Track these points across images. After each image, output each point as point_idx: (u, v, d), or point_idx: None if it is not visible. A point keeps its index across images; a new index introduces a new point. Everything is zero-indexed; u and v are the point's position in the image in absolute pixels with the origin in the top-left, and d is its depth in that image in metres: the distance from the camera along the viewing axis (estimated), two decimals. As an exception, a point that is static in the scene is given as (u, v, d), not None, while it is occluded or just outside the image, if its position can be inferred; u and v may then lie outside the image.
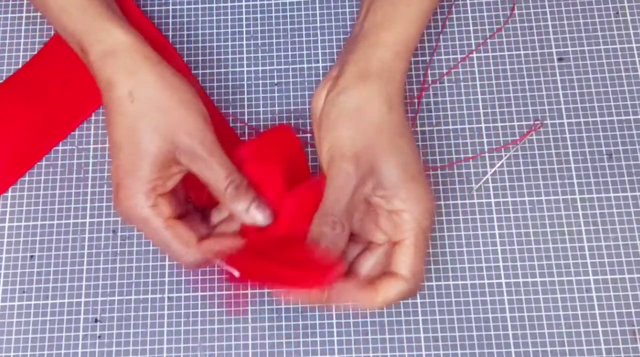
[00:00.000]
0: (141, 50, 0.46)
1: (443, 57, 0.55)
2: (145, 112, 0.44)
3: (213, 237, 0.47)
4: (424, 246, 0.44)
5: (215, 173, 0.45)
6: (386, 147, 0.44)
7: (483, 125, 0.53)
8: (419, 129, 0.53)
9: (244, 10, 0.57)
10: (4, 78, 0.56)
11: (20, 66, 0.56)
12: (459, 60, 0.55)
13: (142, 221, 0.45)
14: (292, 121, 0.53)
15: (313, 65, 0.55)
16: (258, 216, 0.45)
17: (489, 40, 0.55)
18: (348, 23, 0.56)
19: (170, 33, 0.57)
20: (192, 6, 0.57)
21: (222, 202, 0.46)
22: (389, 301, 0.44)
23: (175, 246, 0.45)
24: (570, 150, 0.53)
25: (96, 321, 0.50)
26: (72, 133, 0.54)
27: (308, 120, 0.54)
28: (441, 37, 0.56)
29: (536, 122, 0.53)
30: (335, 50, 0.56)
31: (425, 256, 0.45)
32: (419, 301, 0.50)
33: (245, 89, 0.55)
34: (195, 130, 0.45)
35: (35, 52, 0.56)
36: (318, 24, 0.56)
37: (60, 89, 0.55)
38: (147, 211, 0.44)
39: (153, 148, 0.44)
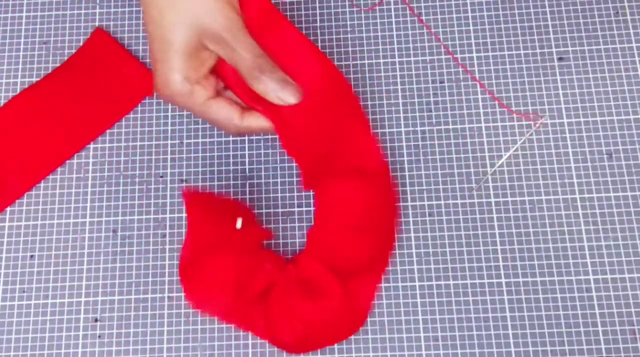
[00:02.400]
0: None
1: (443, 57, 0.55)
2: (172, 5, 0.46)
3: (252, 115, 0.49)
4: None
5: (240, 57, 0.47)
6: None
7: (483, 125, 0.53)
8: (419, 128, 0.53)
9: (244, 10, 0.57)
10: (4, 78, 0.56)
11: (20, 66, 0.56)
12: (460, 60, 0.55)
13: (184, 105, 0.47)
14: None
15: (313, 65, 0.55)
16: (285, 95, 0.47)
17: (489, 40, 0.55)
18: (348, 23, 0.56)
19: (170, 33, 0.57)
20: (192, 6, 0.57)
21: (250, 85, 0.48)
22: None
23: (218, 120, 0.48)
24: (570, 150, 0.53)
25: (96, 320, 0.50)
26: (72, 133, 0.54)
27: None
28: (441, 37, 0.56)
29: (536, 121, 0.53)
30: (335, 50, 0.56)
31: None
32: (419, 300, 0.50)
33: (245, 89, 0.55)
34: (221, 17, 0.46)
35: (36, 52, 0.56)
36: (318, 24, 0.56)
37: (83, 100, 0.55)
38: (185, 98, 0.47)
39: (181, 37, 0.46)
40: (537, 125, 0.53)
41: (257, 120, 0.48)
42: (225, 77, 0.49)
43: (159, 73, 0.47)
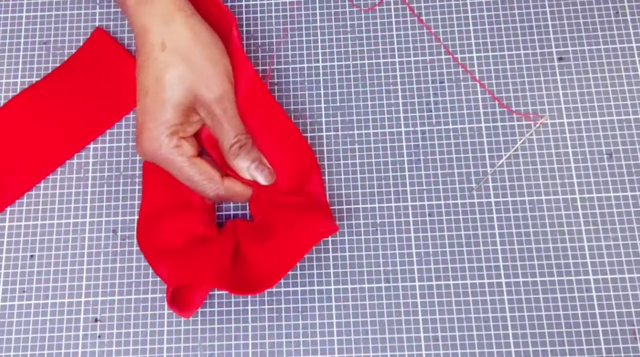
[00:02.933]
0: (176, 1, 0.49)
1: (443, 57, 0.55)
2: (174, 62, 0.47)
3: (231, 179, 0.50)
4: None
5: (225, 131, 0.49)
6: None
7: (483, 125, 0.53)
8: (419, 128, 0.53)
9: (244, 10, 0.57)
10: (4, 78, 0.56)
11: (20, 66, 0.56)
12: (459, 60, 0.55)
13: (166, 160, 0.48)
14: (292, 121, 0.53)
15: (313, 65, 0.55)
16: (258, 175, 0.50)
17: (489, 40, 0.55)
18: (348, 23, 0.56)
19: (170, 33, 0.57)
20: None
21: (226, 158, 0.50)
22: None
23: (199, 180, 0.48)
24: (570, 150, 0.53)
25: (96, 320, 0.50)
26: (72, 133, 0.54)
27: (308, 120, 0.54)
28: (441, 37, 0.56)
29: (536, 121, 0.53)
30: (335, 50, 0.56)
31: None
32: (418, 300, 0.50)
33: (245, 89, 0.55)
34: (216, 87, 0.48)
35: (36, 52, 0.56)
36: (318, 24, 0.56)
37: (83, 100, 0.55)
38: (171, 151, 0.48)
39: (177, 96, 0.47)
40: (537, 125, 0.53)
41: (238, 186, 0.50)
42: (204, 140, 0.51)
43: (148, 126, 0.47)
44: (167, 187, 0.51)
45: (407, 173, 0.53)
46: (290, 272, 0.51)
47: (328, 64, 0.55)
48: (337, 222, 0.52)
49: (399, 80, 0.55)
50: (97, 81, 0.55)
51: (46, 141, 0.54)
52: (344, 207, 0.52)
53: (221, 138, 0.49)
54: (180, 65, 0.47)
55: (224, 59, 0.49)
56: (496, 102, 0.54)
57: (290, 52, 0.56)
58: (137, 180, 0.53)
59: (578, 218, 0.51)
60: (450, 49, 0.55)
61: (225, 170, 0.50)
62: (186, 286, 0.48)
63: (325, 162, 0.53)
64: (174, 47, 0.48)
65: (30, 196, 0.53)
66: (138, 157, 0.54)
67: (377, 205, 0.52)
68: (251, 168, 0.50)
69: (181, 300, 0.48)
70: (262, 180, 0.50)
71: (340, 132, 0.54)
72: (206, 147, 0.51)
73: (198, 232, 0.50)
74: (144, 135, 0.48)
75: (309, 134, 0.53)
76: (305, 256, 0.51)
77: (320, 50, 0.56)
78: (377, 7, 0.57)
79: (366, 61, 0.55)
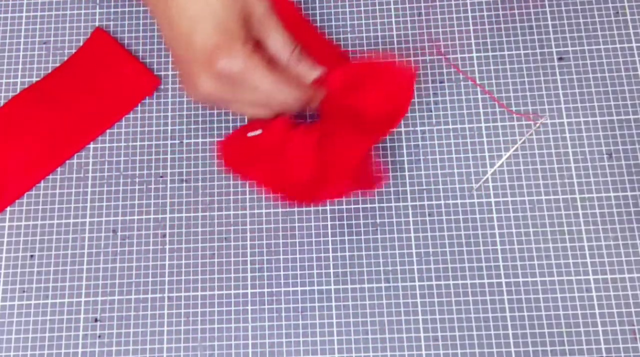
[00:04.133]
0: None
1: (443, 57, 0.55)
2: None
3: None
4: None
5: (284, 39, 0.48)
6: None
7: (483, 125, 0.53)
8: (419, 128, 0.53)
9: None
10: (4, 78, 0.56)
11: (20, 66, 0.56)
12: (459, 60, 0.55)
13: (248, 70, 0.46)
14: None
15: (313, 65, 0.55)
16: (315, 73, 0.48)
17: (489, 40, 0.55)
18: (348, 23, 0.56)
19: (170, 33, 0.57)
20: (192, 6, 0.57)
21: (289, 67, 0.48)
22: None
23: (285, 85, 0.47)
24: (570, 150, 0.53)
25: (96, 320, 0.50)
26: (72, 133, 0.54)
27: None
28: (441, 37, 0.56)
29: (536, 121, 0.53)
30: (335, 50, 0.56)
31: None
32: (418, 300, 0.50)
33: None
34: (259, 4, 0.47)
35: (36, 52, 0.56)
36: (318, 24, 0.56)
37: (83, 100, 0.55)
38: (252, 56, 0.45)
39: (235, 12, 0.46)
40: (537, 125, 0.53)
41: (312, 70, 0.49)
42: None
43: (219, 45, 0.45)
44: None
45: (407, 173, 0.53)
46: (290, 272, 0.51)
47: (328, 64, 0.55)
48: (337, 222, 0.52)
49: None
50: (97, 81, 0.55)
51: (46, 141, 0.54)
52: (344, 207, 0.52)
53: (280, 48, 0.48)
54: None
55: None
56: (496, 103, 0.54)
57: (290, 52, 0.56)
58: (137, 180, 0.53)
59: (578, 218, 0.51)
60: (451, 49, 0.55)
61: None
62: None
63: (325, 162, 0.53)
64: None
65: (30, 196, 0.53)
66: (138, 157, 0.54)
67: (377, 205, 0.52)
68: (312, 71, 0.49)
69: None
70: (317, 74, 0.49)
71: (340, 132, 0.54)
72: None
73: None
74: (218, 53, 0.45)
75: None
76: (305, 256, 0.51)
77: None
78: (377, 7, 0.57)
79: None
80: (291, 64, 0.48)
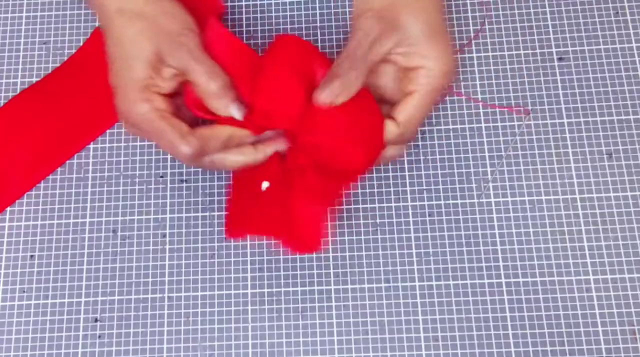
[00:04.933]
0: None
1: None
2: (132, 21, 0.47)
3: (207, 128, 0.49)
4: (428, 102, 0.47)
5: (199, 72, 0.47)
6: (411, 3, 0.47)
7: (483, 125, 0.53)
8: (418, 128, 0.53)
9: (244, 10, 0.57)
10: (4, 78, 0.56)
11: (20, 66, 0.56)
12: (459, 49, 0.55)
13: (139, 117, 0.47)
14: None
15: (313, 65, 0.55)
16: (234, 111, 0.48)
17: (489, 40, 0.55)
18: (348, 23, 0.56)
19: (170, 33, 0.57)
20: (192, 6, 0.57)
21: (205, 99, 0.48)
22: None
23: (170, 134, 0.46)
24: (570, 150, 0.53)
25: (96, 320, 0.50)
26: (72, 133, 0.54)
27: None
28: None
29: (525, 114, 0.53)
30: (335, 50, 0.56)
31: (426, 113, 0.48)
32: (418, 300, 0.50)
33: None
34: (177, 35, 0.47)
35: (36, 52, 0.56)
36: (318, 24, 0.56)
37: (83, 100, 0.55)
38: (142, 105, 0.46)
39: (140, 51, 0.47)
40: (527, 118, 0.53)
41: (220, 130, 0.48)
42: (190, 105, 0.49)
43: (119, 88, 0.47)
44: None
45: (407, 173, 0.53)
46: (290, 272, 0.51)
47: (328, 64, 0.55)
48: (337, 222, 0.52)
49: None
50: (97, 81, 0.55)
51: (46, 141, 0.54)
52: (344, 207, 0.52)
53: (196, 80, 0.47)
54: (137, 22, 0.47)
55: (182, 11, 0.48)
56: (496, 102, 0.54)
57: (290, 52, 0.56)
58: (137, 180, 0.53)
59: (578, 218, 0.51)
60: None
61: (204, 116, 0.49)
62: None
63: (325, 162, 0.53)
64: (129, 9, 0.47)
65: (30, 196, 0.53)
66: (138, 157, 0.54)
67: (377, 205, 0.52)
68: (230, 105, 0.48)
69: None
70: (237, 114, 0.48)
71: (340, 132, 0.54)
72: (195, 112, 0.49)
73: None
74: (119, 96, 0.47)
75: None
76: (305, 256, 0.51)
77: (320, 50, 0.56)
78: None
79: (366, 61, 0.55)
80: (207, 100, 0.48)
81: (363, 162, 0.48)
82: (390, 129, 0.47)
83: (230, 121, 0.48)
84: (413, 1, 0.47)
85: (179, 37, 0.47)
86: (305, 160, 0.48)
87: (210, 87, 0.47)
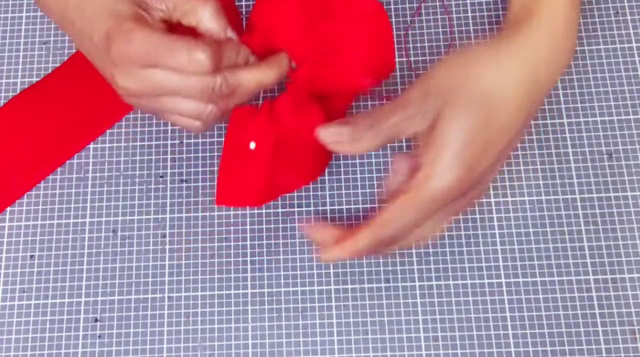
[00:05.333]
0: None
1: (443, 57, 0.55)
2: None
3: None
4: (417, 207, 0.42)
5: (212, 14, 0.44)
6: (468, 102, 0.41)
7: (483, 125, 0.53)
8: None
9: (243, 10, 0.57)
10: (4, 78, 0.56)
11: (20, 66, 0.56)
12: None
13: (139, 44, 0.41)
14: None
15: (313, 65, 0.55)
16: (231, 33, 0.44)
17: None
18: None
19: (170, 33, 0.57)
20: (192, 6, 0.57)
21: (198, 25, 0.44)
22: (423, 196, 0.41)
23: (182, 43, 0.41)
24: (570, 150, 0.53)
25: (96, 320, 0.50)
26: (72, 133, 0.54)
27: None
28: (441, 37, 0.56)
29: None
30: (335, 50, 0.56)
31: (414, 219, 0.43)
32: (418, 300, 0.50)
33: (245, 89, 0.55)
34: None
35: (36, 52, 0.56)
36: (318, 24, 0.56)
37: (83, 100, 0.55)
38: (140, 30, 0.41)
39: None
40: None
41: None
42: None
43: (114, 32, 0.41)
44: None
45: (407, 173, 0.52)
46: (290, 272, 0.51)
47: (328, 64, 0.55)
48: (337, 222, 0.52)
49: (398, 80, 0.55)
50: (97, 81, 0.55)
51: (46, 141, 0.54)
52: (344, 207, 0.52)
53: (209, 25, 0.44)
54: None
55: None
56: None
57: (290, 52, 0.56)
58: (137, 180, 0.53)
59: (578, 218, 0.51)
60: (451, 49, 0.55)
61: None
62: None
63: (325, 162, 0.53)
64: None
65: (30, 196, 0.53)
66: (138, 157, 0.54)
67: (377, 205, 0.52)
68: (227, 28, 0.44)
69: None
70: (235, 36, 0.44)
71: (340, 132, 0.54)
72: None
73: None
74: (110, 40, 0.41)
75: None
76: (305, 256, 0.51)
77: None
78: (377, 7, 0.57)
79: (366, 61, 0.55)
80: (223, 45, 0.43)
81: (371, 83, 0.46)
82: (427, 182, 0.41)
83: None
84: (471, 101, 0.41)
85: None
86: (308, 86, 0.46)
87: (206, 11, 0.43)
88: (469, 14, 0.56)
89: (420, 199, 0.42)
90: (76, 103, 0.55)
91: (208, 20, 0.43)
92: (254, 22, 0.46)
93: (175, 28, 0.44)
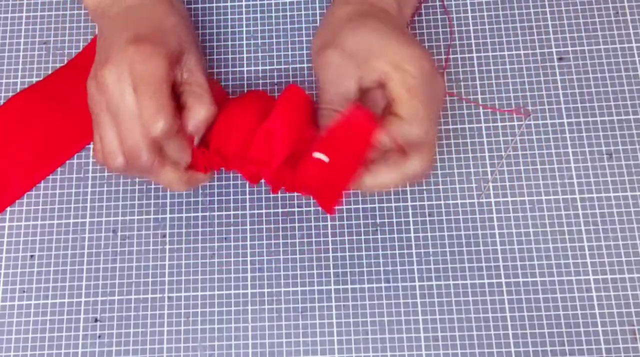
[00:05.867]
0: None
1: (443, 57, 0.55)
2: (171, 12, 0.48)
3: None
4: (419, 93, 0.42)
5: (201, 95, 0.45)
6: (355, 23, 0.45)
7: (483, 125, 0.53)
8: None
9: (244, 10, 0.57)
10: (4, 78, 0.56)
11: (20, 66, 0.56)
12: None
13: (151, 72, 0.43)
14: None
15: (313, 65, 0.55)
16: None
17: (489, 40, 0.55)
18: (348, 23, 0.56)
19: (170, 33, 0.57)
20: (192, 6, 0.57)
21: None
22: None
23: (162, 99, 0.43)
24: (570, 150, 0.53)
25: (96, 320, 0.50)
26: (72, 133, 0.54)
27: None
28: (441, 37, 0.56)
29: (526, 115, 0.53)
30: (335, 50, 0.56)
31: (426, 103, 0.42)
32: (418, 300, 0.50)
33: (246, 89, 0.55)
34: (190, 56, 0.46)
35: (36, 52, 0.56)
36: (318, 24, 0.56)
37: (84, 100, 0.55)
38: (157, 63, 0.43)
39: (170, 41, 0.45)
40: (527, 119, 0.53)
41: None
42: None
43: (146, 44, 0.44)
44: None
45: (407, 173, 0.52)
46: (290, 272, 0.51)
47: (328, 64, 0.55)
48: (337, 222, 0.52)
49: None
50: None
51: (46, 141, 0.54)
52: (344, 207, 0.52)
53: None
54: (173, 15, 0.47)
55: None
56: (496, 102, 0.54)
57: (290, 52, 0.56)
58: (137, 180, 0.53)
59: (578, 218, 0.51)
60: (451, 49, 0.55)
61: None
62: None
63: (325, 162, 0.53)
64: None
65: (30, 196, 0.53)
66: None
67: (377, 205, 0.52)
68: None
69: None
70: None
71: (340, 132, 0.54)
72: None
73: None
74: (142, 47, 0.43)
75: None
76: (305, 256, 0.51)
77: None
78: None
79: (366, 61, 0.55)
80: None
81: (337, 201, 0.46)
82: (394, 127, 0.43)
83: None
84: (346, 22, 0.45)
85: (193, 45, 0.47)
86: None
87: (198, 114, 0.45)
88: (469, 14, 0.56)
89: (418, 84, 0.43)
90: (76, 103, 0.55)
91: (192, 121, 0.45)
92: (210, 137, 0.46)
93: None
